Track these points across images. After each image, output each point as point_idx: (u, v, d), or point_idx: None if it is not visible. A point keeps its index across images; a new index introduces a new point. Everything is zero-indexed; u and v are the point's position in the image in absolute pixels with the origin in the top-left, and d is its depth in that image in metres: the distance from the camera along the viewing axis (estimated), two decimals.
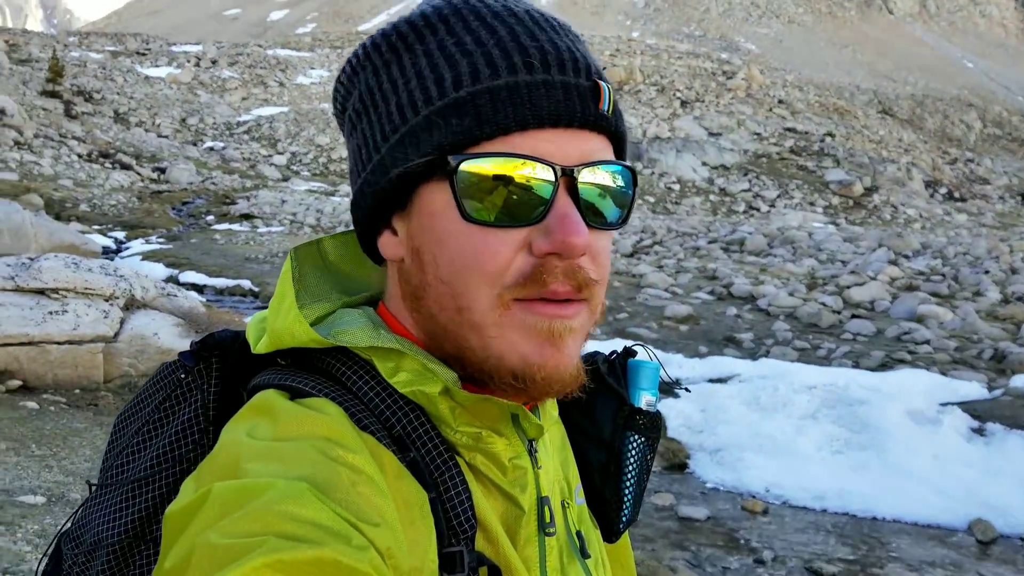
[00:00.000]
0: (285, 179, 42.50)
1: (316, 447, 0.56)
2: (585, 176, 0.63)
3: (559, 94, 0.62)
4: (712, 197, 44.98)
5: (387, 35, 0.68)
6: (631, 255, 20.53)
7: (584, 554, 0.74)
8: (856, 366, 9.59)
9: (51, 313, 6.70)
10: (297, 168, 48.05)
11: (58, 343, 6.60)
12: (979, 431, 7.47)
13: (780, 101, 63.95)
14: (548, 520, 0.69)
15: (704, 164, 49.18)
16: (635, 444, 0.79)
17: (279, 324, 0.66)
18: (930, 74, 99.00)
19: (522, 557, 0.66)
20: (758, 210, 42.35)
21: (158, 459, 0.68)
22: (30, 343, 6.51)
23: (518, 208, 0.61)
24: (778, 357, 9.95)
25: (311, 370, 0.67)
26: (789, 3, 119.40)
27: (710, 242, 21.65)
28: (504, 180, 0.60)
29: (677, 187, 46.28)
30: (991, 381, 8.88)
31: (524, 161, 0.60)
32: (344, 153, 51.28)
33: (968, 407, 7.87)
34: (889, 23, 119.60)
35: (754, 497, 6.52)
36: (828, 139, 55.28)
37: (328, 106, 60.16)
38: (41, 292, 6.93)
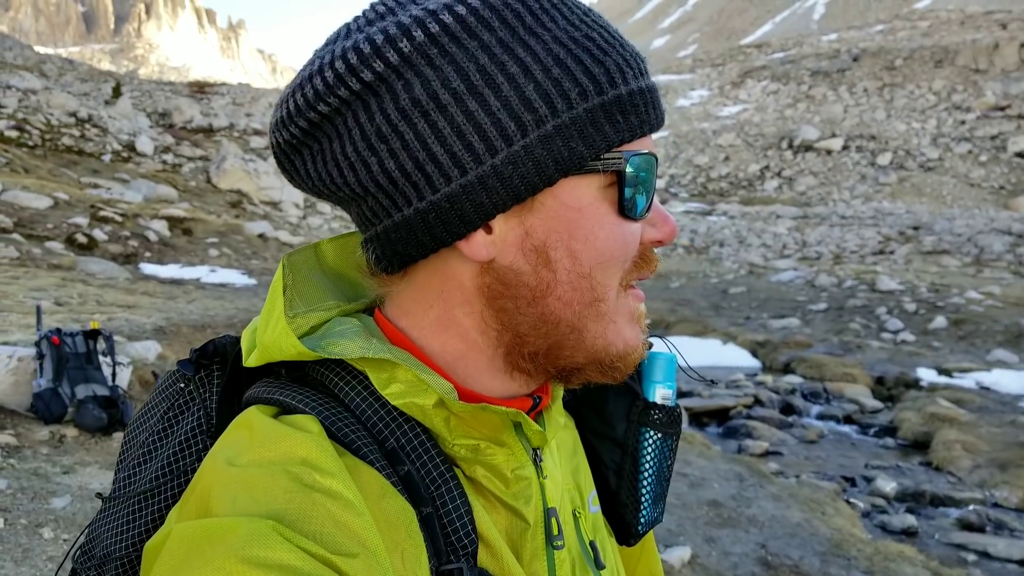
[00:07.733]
0: (663, 201, 43.70)
1: (290, 473, 0.54)
2: None
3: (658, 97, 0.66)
4: None
5: (495, 10, 0.60)
6: None
7: (599, 565, 0.73)
8: None
9: None
10: (675, 190, 48.65)
11: None
12: None
13: None
14: (556, 533, 0.68)
15: None
16: (652, 441, 0.77)
17: (267, 337, 0.64)
18: None
19: (529, 572, 0.65)
20: None
21: (161, 472, 0.67)
22: None
23: (645, 202, 0.64)
24: None
25: (306, 382, 0.65)
26: None
27: None
28: (648, 178, 0.63)
29: None
30: None
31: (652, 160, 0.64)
32: (724, 170, 50.67)
33: None
34: None
35: None
36: None
37: (708, 125, 59.84)
38: None
